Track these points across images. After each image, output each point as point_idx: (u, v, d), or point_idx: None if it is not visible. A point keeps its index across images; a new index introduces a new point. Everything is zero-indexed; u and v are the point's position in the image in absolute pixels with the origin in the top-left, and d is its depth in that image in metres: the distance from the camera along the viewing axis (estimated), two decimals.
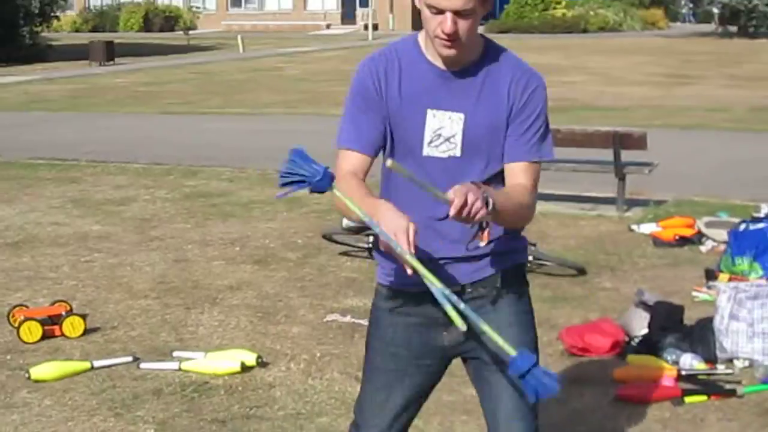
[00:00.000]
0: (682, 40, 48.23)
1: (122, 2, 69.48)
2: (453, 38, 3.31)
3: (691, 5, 56.34)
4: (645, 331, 6.58)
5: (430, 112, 3.44)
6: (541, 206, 10.49)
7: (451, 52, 3.36)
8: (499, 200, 3.17)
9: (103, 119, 20.29)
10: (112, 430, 5.45)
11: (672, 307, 6.77)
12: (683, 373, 6.00)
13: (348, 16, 65.27)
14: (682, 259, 8.76)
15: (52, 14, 44.00)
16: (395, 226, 3.07)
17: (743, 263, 7.84)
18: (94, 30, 64.06)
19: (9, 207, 11.27)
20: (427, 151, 3.45)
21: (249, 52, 42.19)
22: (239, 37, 45.52)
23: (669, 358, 6.22)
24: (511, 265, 3.52)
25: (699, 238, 9.24)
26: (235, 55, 40.93)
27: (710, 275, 7.83)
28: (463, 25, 3.30)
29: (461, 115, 3.43)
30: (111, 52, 37.23)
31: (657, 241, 9.29)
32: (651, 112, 19.45)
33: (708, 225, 9.33)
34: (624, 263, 8.65)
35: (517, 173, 3.43)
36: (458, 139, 3.44)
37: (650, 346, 6.42)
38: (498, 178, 3.48)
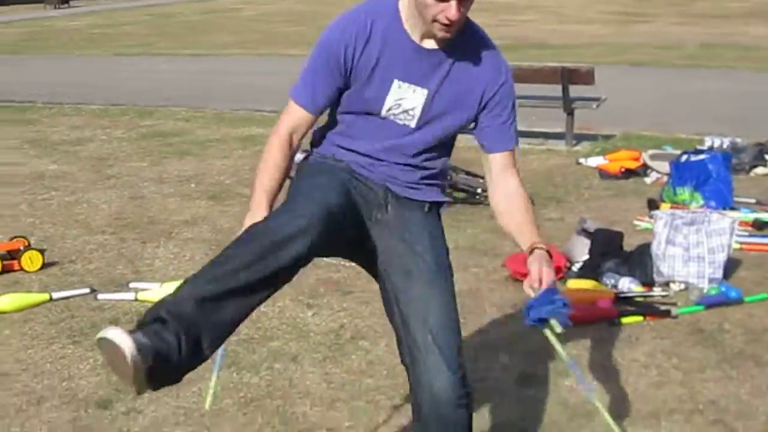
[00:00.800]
0: None
1: None
2: (455, 24, 3.38)
3: None
4: (586, 257, 6.77)
5: (396, 83, 3.50)
6: None
7: (448, 35, 3.41)
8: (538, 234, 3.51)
9: (58, 62, 20.30)
10: (71, 356, 5.56)
11: (612, 233, 6.96)
12: (621, 295, 6.19)
13: None
14: (626, 190, 8.98)
15: None
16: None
17: (684, 193, 8.08)
18: None
19: None
20: (385, 114, 3.54)
21: None
22: None
23: (608, 282, 6.43)
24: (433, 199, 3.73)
25: (644, 170, 9.45)
26: None
27: (652, 205, 8.04)
28: (463, 11, 3.37)
29: (425, 92, 3.51)
30: None
31: (603, 174, 9.48)
32: (602, 50, 19.62)
33: (653, 157, 9.54)
34: (570, 195, 8.86)
35: (506, 164, 3.60)
36: (416, 112, 3.53)
37: (590, 270, 6.61)
38: (438, 148, 3.65)
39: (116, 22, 29.23)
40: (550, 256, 3.44)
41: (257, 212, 3.45)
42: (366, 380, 5.15)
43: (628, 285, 6.38)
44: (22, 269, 7.00)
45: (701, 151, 8.65)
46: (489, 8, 30.00)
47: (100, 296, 6.47)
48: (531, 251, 3.42)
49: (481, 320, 6.01)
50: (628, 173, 9.41)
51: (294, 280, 3.38)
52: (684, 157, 8.43)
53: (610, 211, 8.17)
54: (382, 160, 3.62)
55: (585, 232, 6.97)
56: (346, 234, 3.51)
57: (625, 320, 5.92)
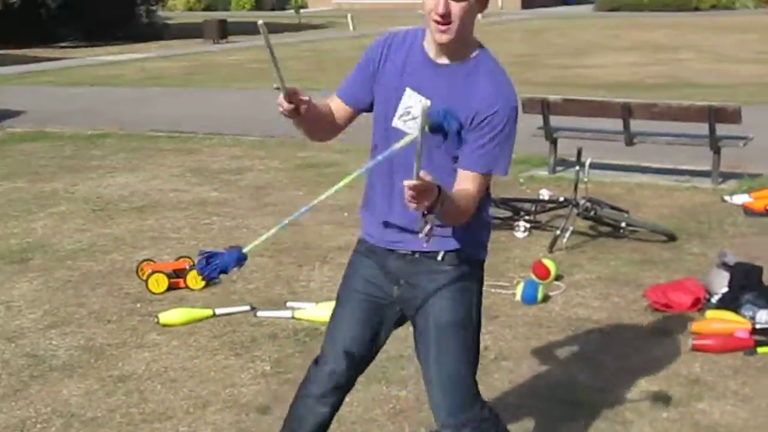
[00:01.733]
0: None
1: None
2: (446, 20, 3.59)
3: None
4: (725, 289, 6.76)
5: (408, 90, 3.77)
6: (637, 178, 10.93)
7: (444, 36, 3.62)
8: (447, 208, 3.46)
9: (218, 94, 20.57)
10: (232, 366, 5.89)
11: (751, 267, 6.97)
12: (758, 326, 6.17)
13: None
14: None
15: None
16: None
17: None
18: (206, 9, 64.65)
19: (132, 175, 11.74)
20: (396, 123, 3.80)
21: (360, 31, 42.34)
22: (349, 15, 45.87)
23: (746, 313, 6.41)
24: (453, 247, 3.82)
25: None
26: (346, 33, 41.10)
27: None
28: (455, 8, 3.58)
29: (428, 102, 3.53)
30: (224, 31, 37.64)
31: (748, 211, 9.39)
32: (755, 89, 19.16)
33: None
34: (714, 231, 8.83)
35: (465, 179, 3.68)
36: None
37: (729, 302, 6.61)
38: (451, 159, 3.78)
39: None
40: (439, 191, 3.37)
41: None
42: (509, 399, 5.37)
43: (765, 317, 6.36)
44: (187, 287, 7.30)
45: None
46: (643, 47, 30.02)
47: (260, 313, 6.76)
48: None
49: (622, 347, 6.16)
50: None
51: None
52: None
53: (752, 248, 8.13)
54: (393, 211, 3.88)
55: (725, 266, 7.00)
56: (377, 329, 4.04)
57: (760, 350, 5.97)
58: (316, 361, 4.10)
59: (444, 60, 3.75)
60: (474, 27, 3.75)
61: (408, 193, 3.27)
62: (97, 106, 18.73)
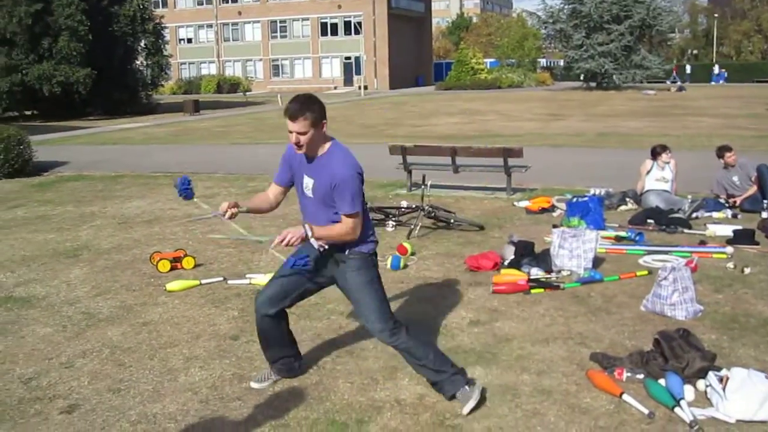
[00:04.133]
0: (560, 92, 47.92)
1: (203, 75, 69.35)
2: (299, 146, 4.02)
3: (564, 70, 56.51)
4: (512, 256, 7.06)
5: (304, 176, 4.16)
6: (460, 193, 11.18)
7: (300, 152, 4.07)
8: (320, 233, 3.98)
9: (195, 148, 20.28)
10: (213, 313, 5.98)
11: (528, 243, 7.29)
12: (531, 277, 6.50)
13: (348, 81, 65.39)
14: (541, 220, 9.19)
15: (159, 83, 43.77)
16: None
17: (575, 221, 8.28)
18: (185, 93, 63.66)
19: (142, 200, 11.68)
20: (303, 191, 4.19)
21: (285, 105, 42.18)
22: (279, 96, 45.70)
23: (524, 270, 6.74)
24: (347, 250, 4.18)
25: (552, 208, 9.62)
26: (276, 107, 40.76)
27: (555, 227, 8.38)
28: (303, 138, 3.99)
29: (313, 180, 4.11)
30: (197, 107, 37.12)
31: (528, 211, 9.66)
32: (535, 137, 19.63)
33: (558, 200, 9.82)
34: (507, 223, 9.08)
35: (342, 218, 4.06)
36: (311, 189, 4.13)
37: (514, 264, 6.91)
38: (329, 212, 4.09)
39: (229, 123, 29.17)
40: (306, 232, 3.93)
41: None
42: None
43: (536, 272, 6.70)
44: (182, 268, 7.36)
45: (584, 196, 8.89)
46: (465, 112, 30.51)
47: (230, 282, 6.83)
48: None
49: (451, 293, 6.32)
50: (543, 210, 9.60)
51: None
52: (574, 200, 8.68)
53: (530, 232, 8.38)
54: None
55: (512, 243, 7.29)
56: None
57: (533, 291, 6.26)
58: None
59: (309, 156, 4.12)
60: (322, 137, 4.07)
61: (284, 243, 3.90)
62: (116, 157, 18.41)
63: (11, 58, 34.74)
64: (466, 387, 4.21)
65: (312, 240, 3.95)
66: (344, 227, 4.06)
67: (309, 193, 4.15)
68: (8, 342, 5.53)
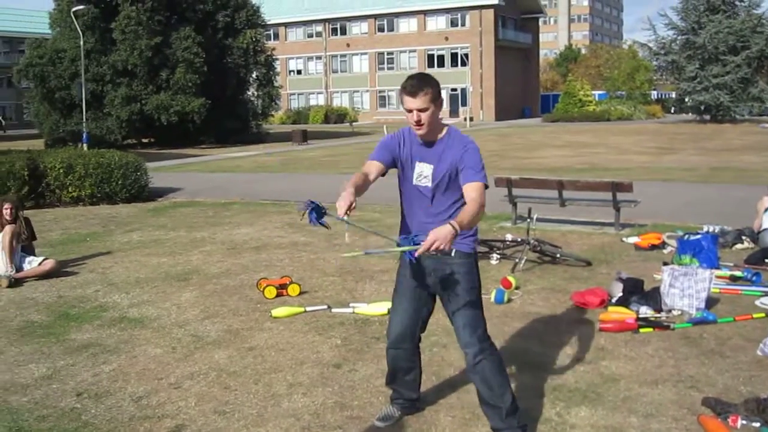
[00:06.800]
0: (672, 125, 46.90)
1: (311, 105, 70.93)
2: (419, 124, 3.80)
3: (675, 103, 55.12)
4: (620, 294, 6.91)
5: (417, 163, 3.95)
6: (567, 227, 11.04)
7: (421, 132, 3.85)
8: (462, 222, 3.48)
9: (303, 177, 20.70)
10: (317, 341, 6.03)
11: (636, 280, 7.12)
12: (640, 316, 6.35)
13: (454, 112, 65.63)
14: (651, 257, 9.00)
15: (269, 113, 44.91)
16: (339, 203, 3.48)
17: (686, 259, 8.09)
18: (294, 122, 65.24)
19: (251, 227, 11.94)
20: (415, 182, 3.96)
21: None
22: (385, 126, 46.17)
23: (633, 308, 6.58)
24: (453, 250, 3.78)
25: (663, 245, 9.42)
26: (382, 137, 41.33)
27: (665, 265, 8.17)
28: (424, 115, 3.78)
29: (431, 166, 3.90)
30: (305, 136, 37.99)
31: (637, 247, 9.49)
32: (644, 171, 19.26)
33: (668, 237, 9.57)
34: (615, 259, 8.92)
35: (469, 190, 3.75)
36: (429, 177, 3.92)
37: (622, 302, 6.77)
38: (450, 200, 3.90)
39: (336, 153, 29.68)
40: (456, 232, 3.41)
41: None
42: None
43: (645, 310, 6.54)
44: (288, 295, 7.45)
45: (697, 233, 8.68)
46: (572, 145, 30.12)
47: (334, 310, 6.91)
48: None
49: (556, 330, 6.22)
50: (653, 247, 9.41)
51: None
52: (686, 237, 8.48)
53: (639, 269, 8.22)
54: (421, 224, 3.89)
55: (620, 279, 7.12)
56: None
57: (642, 330, 6.09)
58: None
59: (426, 140, 3.92)
60: (439, 119, 3.89)
61: (433, 248, 3.35)
62: (226, 185, 18.98)
63: (131, 89, 36.49)
64: None
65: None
66: (477, 200, 3.67)
67: (425, 182, 3.91)
68: (121, 361, 5.74)
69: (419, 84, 3.78)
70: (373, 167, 3.93)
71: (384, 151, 3.98)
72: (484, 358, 3.95)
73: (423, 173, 3.93)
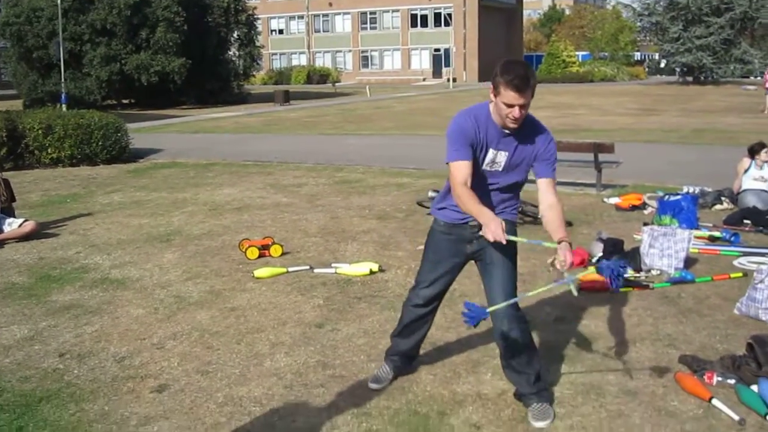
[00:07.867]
0: (655, 86, 46.91)
1: (293, 65, 70.37)
2: (517, 120, 3.59)
3: (659, 64, 55.18)
4: (600, 254, 6.99)
5: (491, 150, 3.74)
6: None
7: (515, 126, 3.62)
8: (564, 231, 3.62)
9: (284, 138, 20.59)
10: (299, 301, 6.05)
11: (617, 240, 7.19)
12: None
13: (437, 73, 65.28)
14: (631, 217, 9.07)
15: (251, 73, 44.56)
16: (493, 228, 3.42)
17: (666, 219, 8.13)
18: (276, 83, 64.77)
19: (233, 188, 11.88)
20: (484, 167, 3.75)
21: (373, 96, 42.25)
22: (367, 87, 45.96)
23: None
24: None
25: (643, 206, 9.47)
26: (364, 98, 40.97)
27: (646, 225, 8.23)
28: (525, 111, 3.58)
29: (506, 153, 3.74)
30: (287, 97, 37.71)
31: (618, 208, 9.55)
32: (627, 132, 19.28)
33: (649, 198, 9.62)
34: (596, 220, 8.96)
35: (549, 185, 3.76)
36: (502, 164, 3.75)
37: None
38: (516, 184, 3.84)
39: (318, 114, 29.56)
40: (571, 246, 3.54)
41: (484, 214, 3.54)
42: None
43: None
44: (270, 255, 7.43)
45: (677, 194, 8.73)
46: (555, 106, 30.11)
47: (316, 270, 6.89)
48: (560, 242, 3.55)
49: (537, 295, 6.33)
50: (633, 207, 9.46)
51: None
52: (666, 197, 8.52)
53: (620, 230, 8.27)
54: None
55: (601, 240, 7.21)
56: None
57: (622, 289, 6.12)
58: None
59: (507, 130, 3.70)
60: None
61: (566, 265, 3.46)
62: (208, 146, 18.84)
63: (111, 49, 36.01)
64: (549, 405, 4.09)
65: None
66: (559, 202, 3.76)
67: (495, 167, 3.76)
68: (104, 321, 5.74)
69: (528, 78, 3.50)
70: (468, 171, 3.68)
71: (467, 147, 3.68)
72: (516, 326, 3.95)
73: (495, 159, 3.77)
